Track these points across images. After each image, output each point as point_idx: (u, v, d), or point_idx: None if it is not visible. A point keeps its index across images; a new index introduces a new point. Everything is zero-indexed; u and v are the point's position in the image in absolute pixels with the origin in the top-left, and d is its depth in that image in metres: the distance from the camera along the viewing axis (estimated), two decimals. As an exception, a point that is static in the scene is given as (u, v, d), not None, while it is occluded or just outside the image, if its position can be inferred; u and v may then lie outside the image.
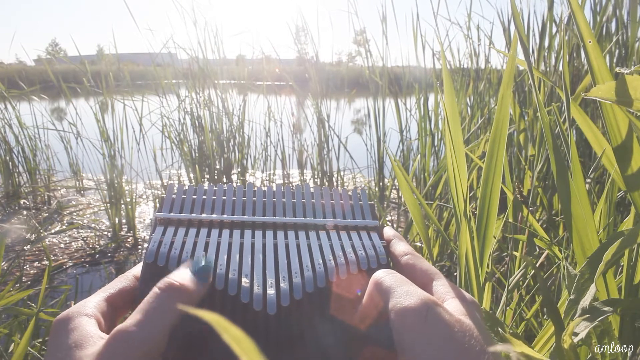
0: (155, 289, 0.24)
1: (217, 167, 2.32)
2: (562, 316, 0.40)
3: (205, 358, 0.26)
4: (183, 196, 0.36)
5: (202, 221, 0.34)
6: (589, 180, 0.73)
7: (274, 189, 0.38)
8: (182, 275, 0.25)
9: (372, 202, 0.38)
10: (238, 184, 0.38)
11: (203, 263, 0.27)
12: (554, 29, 1.42)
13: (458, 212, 0.53)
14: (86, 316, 0.24)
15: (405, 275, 0.30)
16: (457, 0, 1.90)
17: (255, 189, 0.37)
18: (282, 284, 0.28)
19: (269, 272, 0.29)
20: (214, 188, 0.37)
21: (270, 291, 0.28)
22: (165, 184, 2.24)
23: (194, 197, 0.36)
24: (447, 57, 1.87)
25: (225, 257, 0.30)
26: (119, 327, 0.22)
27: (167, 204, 0.35)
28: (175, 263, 0.29)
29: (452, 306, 0.26)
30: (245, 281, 0.28)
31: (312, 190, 0.38)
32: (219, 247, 0.31)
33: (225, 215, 0.34)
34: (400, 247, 0.33)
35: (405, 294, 0.24)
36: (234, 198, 0.36)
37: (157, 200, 2.21)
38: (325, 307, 0.29)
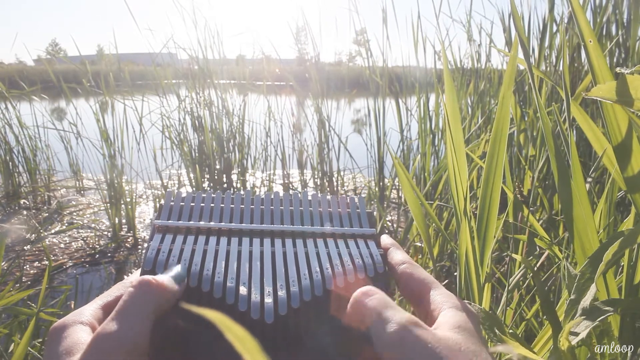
0: (129, 288, 0.24)
1: (217, 167, 2.32)
2: (563, 316, 0.40)
3: (193, 356, 0.26)
4: (181, 203, 0.36)
5: (201, 229, 0.34)
6: (589, 180, 0.73)
7: (272, 195, 0.38)
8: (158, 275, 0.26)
9: (370, 210, 0.38)
10: (236, 191, 0.38)
11: (178, 271, 0.28)
12: (555, 30, 1.42)
13: (458, 211, 0.53)
14: (81, 324, 0.24)
15: (403, 284, 0.30)
16: (458, 0, 1.90)
17: (254, 196, 0.37)
18: (279, 293, 0.28)
19: (267, 280, 0.29)
20: (212, 195, 0.37)
21: (268, 300, 0.28)
22: (165, 184, 2.24)
23: (192, 204, 0.36)
24: (447, 56, 1.88)
25: (223, 265, 0.30)
26: (97, 329, 0.22)
27: (165, 211, 0.35)
28: None
29: (446, 318, 0.25)
30: (242, 289, 0.28)
31: (309, 197, 0.38)
32: (217, 255, 0.31)
33: (223, 223, 0.34)
34: (398, 255, 0.32)
35: (385, 320, 0.24)
36: (232, 205, 0.36)
37: (157, 200, 2.21)
38: (322, 313, 0.29)
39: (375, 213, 0.38)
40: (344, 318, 0.28)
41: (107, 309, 0.27)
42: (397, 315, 0.24)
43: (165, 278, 0.26)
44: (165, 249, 0.31)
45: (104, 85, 2.16)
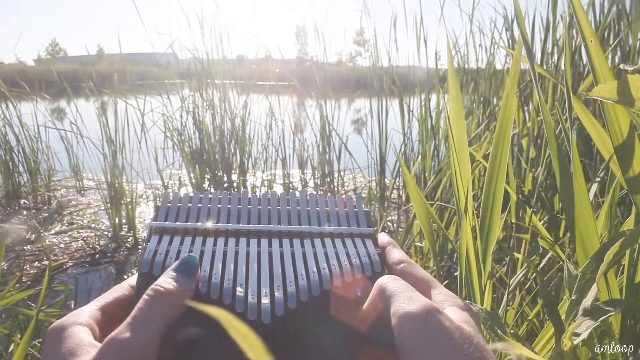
0: (144, 296, 0.25)
1: (218, 166, 2.32)
2: (564, 316, 0.40)
3: None
4: (178, 204, 0.36)
5: (198, 229, 0.34)
6: (597, 180, 0.72)
7: (269, 195, 0.38)
8: (167, 280, 0.26)
9: (367, 209, 0.38)
10: (233, 192, 0.38)
11: (189, 261, 0.28)
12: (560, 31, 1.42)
13: (460, 210, 0.53)
14: (80, 325, 0.25)
15: None
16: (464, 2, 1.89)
17: (250, 196, 0.37)
18: (276, 293, 0.28)
19: (264, 281, 0.29)
20: (209, 196, 0.37)
21: (265, 300, 0.28)
22: (165, 184, 2.24)
23: (189, 205, 0.36)
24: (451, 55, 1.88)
25: (220, 265, 0.30)
26: (110, 335, 0.23)
27: (162, 213, 0.35)
28: None
29: (452, 314, 0.26)
30: (239, 290, 0.28)
31: (307, 197, 0.38)
32: (214, 256, 0.31)
33: (220, 224, 0.34)
34: (395, 254, 0.32)
35: (408, 299, 0.24)
36: (229, 206, 0.36)
37: (157, 200, 2.21)
38: (320, 314, 0.29)
39: (376, 213, 0.38)
40: (345, 315, 0.28)
41: (105, 310, 0.27)
42: (422, 297, 0.25)
43: (173, 282, 0.26)
44: (163, 251, 0.31)
45: (115, 85, 2.16)
